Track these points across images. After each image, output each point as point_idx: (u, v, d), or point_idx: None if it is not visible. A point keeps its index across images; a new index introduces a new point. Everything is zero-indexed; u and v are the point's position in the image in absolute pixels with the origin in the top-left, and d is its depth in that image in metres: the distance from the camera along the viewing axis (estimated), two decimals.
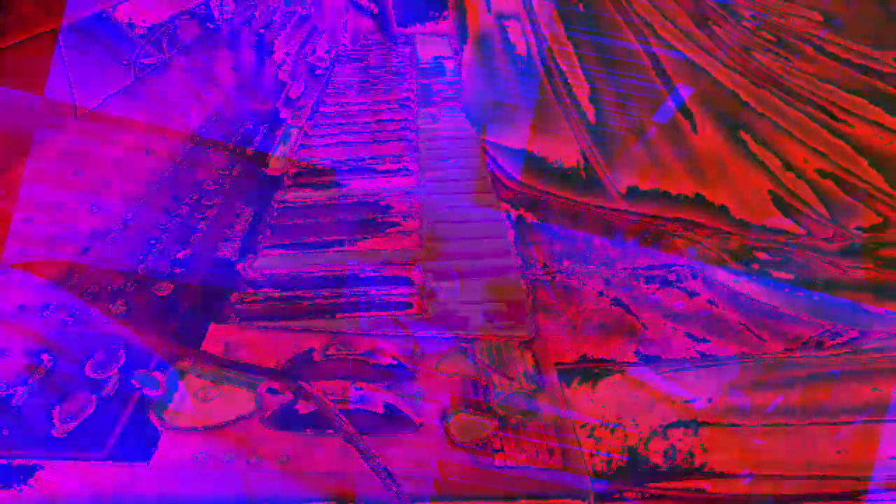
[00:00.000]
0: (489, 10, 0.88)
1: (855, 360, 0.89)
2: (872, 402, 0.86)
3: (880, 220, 0.80)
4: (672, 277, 0.91)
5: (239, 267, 0.68)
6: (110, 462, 0.45)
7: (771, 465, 0.86)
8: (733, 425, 0.87)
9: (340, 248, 0.74)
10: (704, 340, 0.92)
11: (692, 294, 0.91)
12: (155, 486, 0.44)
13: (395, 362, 0.54)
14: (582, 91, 0.82)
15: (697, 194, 0.82)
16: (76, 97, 1.33)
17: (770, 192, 0.79)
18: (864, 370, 0.87)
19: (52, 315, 0.59)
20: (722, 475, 0.87)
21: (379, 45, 1.45)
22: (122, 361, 0.53)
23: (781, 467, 0.86)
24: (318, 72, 1.32)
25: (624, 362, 0.94)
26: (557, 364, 0.55)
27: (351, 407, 0.47)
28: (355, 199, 0.82)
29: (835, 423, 0.85)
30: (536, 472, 0.44)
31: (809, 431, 0.86)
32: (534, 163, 0.89)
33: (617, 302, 0.92)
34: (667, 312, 0.92)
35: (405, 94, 1.20)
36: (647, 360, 0.93)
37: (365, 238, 0.74)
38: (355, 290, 0.65)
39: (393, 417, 0.48)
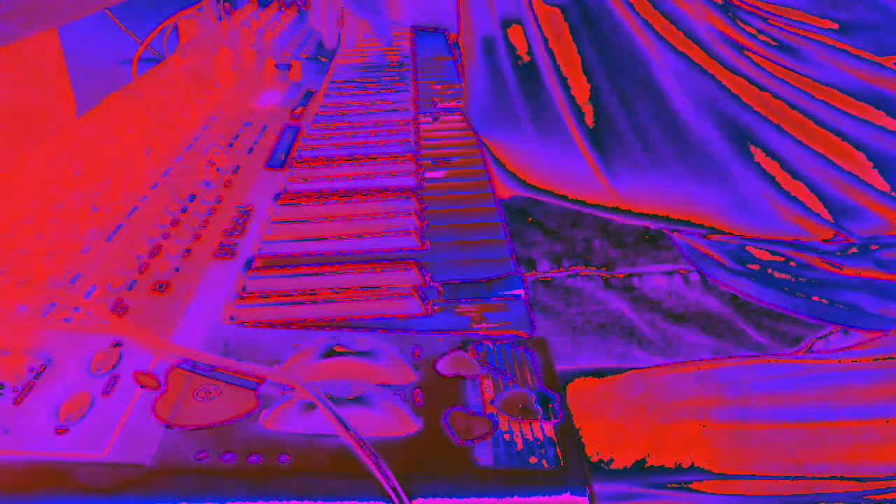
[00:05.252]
0: (490, 12, 0.88)
1: (855, 361, 0.89)
2: (873, 404, 0.86)
3: (880, 221, 0.80)
4: (672, 278, 0.92)
5: (239, 266, 0.68)
6: (110, 462, 0.45)
7: (772, 465, 0.87)
8: (734, 426, 0.87)
9: (341, 249, 0.74)
10: (704, 341, 0.92)
11: (692, 295, 0.91)
12: (154, 486, 0.44)
13: (394, 362, 0.55)
14: (583, 92, 0.82)
15: (697, 194, 0.82)
16: (76, 97, 1.33)
17: (770, 192, 0.79)
18: (865, 371, 0.87)
19: (52, 315, 0.59)
20: (722, 476, 0.87)
21: (377, 46, 1.45)
22: (121, 361, 0.53)
23: (782, 469, 0.87)
24: (318, 71, 1.32)
25: (624, 363, 0.94)
26: (557, 364, 0.55)
27: (351, 406, 0.48)
28: (355, 199, 0.82)
29: (836, 425, 0.85)
30: (536, 473, 0.44)
31: (810, 433, 0.86)
32: (534, 164, 0.89)
33: (617, 302, 0.92)
34: (667, 313, 0.92)
35: (405, 95, 1.20)
36: (648, 360, 0.94)
37: (365, 238, 0.75)
38: (356, 289, 0.65)
39: (393, 417, 0.48)
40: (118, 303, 0.62)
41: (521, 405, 0.50)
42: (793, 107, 0.76)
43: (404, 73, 1.31)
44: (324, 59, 1.38)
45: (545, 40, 0.82)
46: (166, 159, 0.90)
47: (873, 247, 0.84)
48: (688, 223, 0.83)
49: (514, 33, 0.84)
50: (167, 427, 0.48)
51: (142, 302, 0.62)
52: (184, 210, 0.78)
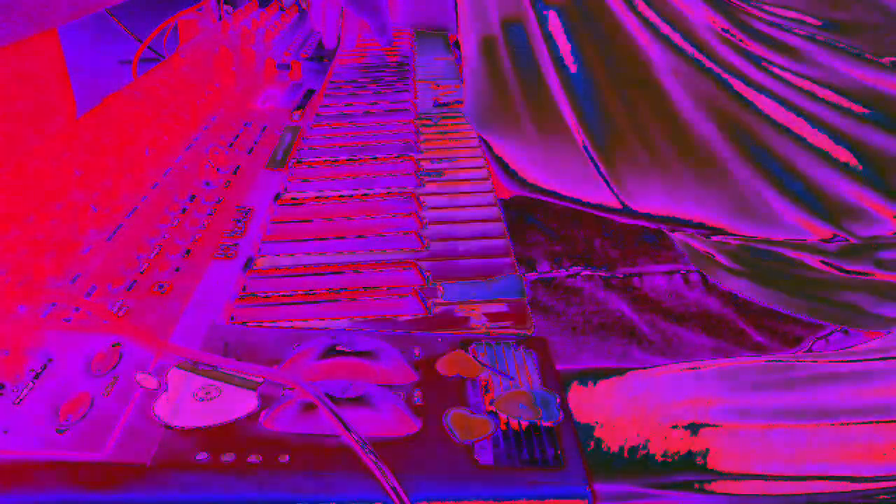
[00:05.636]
0: (491, 12, 0.88)
1: (855, 361, 0.89)
2: (873, 404, 0.86)
3: (880, 221, 0.80)
4: (672, 278, 0.92)
5: (239, 266, 0.68)
6: (110, 462, 0.45)
7: (772, 465, 0.87)
8: (734, 426, 0.87)
9: (341, 249, 0.74)
10: (704, 341, 0.92)
11: (692, 295, 0.91)
12: (154, 486, 0.44)
13: (394, 362, 0.55)
14: (584, 92, 0.82)
15: (697, 195, 0.82)
16: (76, 97, 1.33)
17: (770, 193, 0.79)
18: (865, 371, 0.87)
19: (52, 315, 0.59)
20: (722, 476, 0.87)
21: (377, 46, 1.45)
22: (122, 361, 0.53)
23: (782, 469, 0.87)
24: (318, 71, 1.32)
25: (624, 363, 0.94)
26: (558, 364, 0.55)
27: (351, 406, 0.48)
28: (355, 199, 0.82)
29: (836, 425, 0.85)
30: (536, 473, 0.44)
31: (810, 433, 0.86)
32: (535, 164, 0.89)
33: (617, 302, 0.92)
34: (667, 313, 0.92)
35: (405, 95, 1.20)
36: (648, 360, 0.94)
37: (365, 238, 0.75)
38: (356, 289, 0.65)
39: (393, 417, 0.48)
40: (118, 303, 0.62)
41: (521, 405, 0.50)
42: (793, 107, 0.76)
43: (404, 73, 1.31)
44: (324, 59, 1.38)
45: (546, 40, 0.82)
46: (166, 159, 0.90)
47: (873, 247, 0.84)
48: (689, 223, 0.83)
49: (515, 33, 0.84)
50: (167, 427, 0.48)
51: (142, 302, 0.62)
52: (184, 210, 0.78)
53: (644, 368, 0.91)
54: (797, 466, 0.86)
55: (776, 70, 0.76)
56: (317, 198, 0.84)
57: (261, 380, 0.51)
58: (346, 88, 1.24)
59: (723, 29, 0.76)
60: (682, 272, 0.91)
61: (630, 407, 0.89)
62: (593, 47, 0.81)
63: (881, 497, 0.87)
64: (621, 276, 0.91)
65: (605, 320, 0.92)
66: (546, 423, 0.48)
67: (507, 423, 0.48)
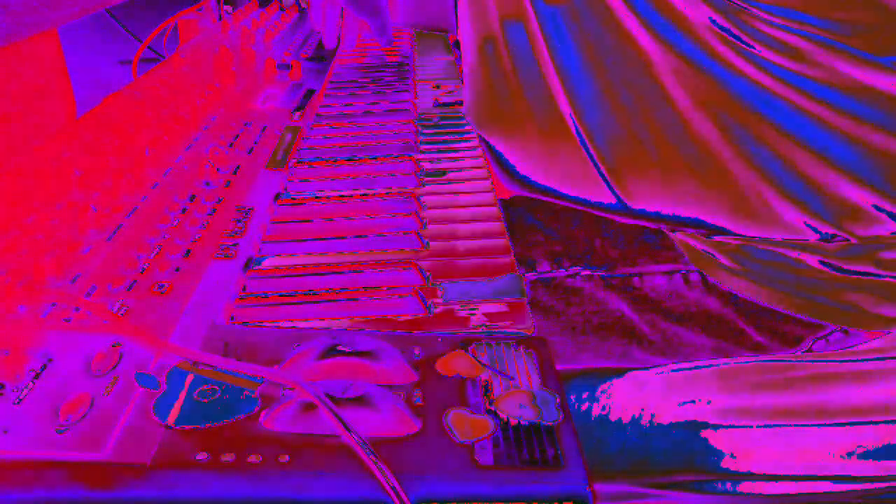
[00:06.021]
0: (491, 12, 0.87)
1: (855, 361, 0.89)
2: (873, 404, 0.86)
3: (881, 221, 0.80)
4: (672, 278, 0.92)
5: (239, 266, 0.68)
6: (110, 462, 0.45)
7: (772, 465, 0.87)
8: (734, 426, 0.87)
9: (341, 248, 0.74)
10: (704, 341, 0.92)
11: (692, 295, 0.91)
12: (154, 486, 0.44)
13: (394, 362, 0.55)
14: (584, 92, 0.82)
15: (697, 195, 0.82)
16: (76, 97, 1.33)
17: (770, 193, 0.79)
18: (865, 371, 0.87)
19: (52, 315, 0.59)
20: (722, 476, 0.87)
21: (377, 46, 1.45)
22: (122, 361, 0.53)
23: (782, 469, 0.87)
24: (318, 71, 1.32)
25: (624, 363, 0.94)
26: (558, 364, 0.55)
27: (351, 406, 0.48)
28: (355, 199, 0.82)
29: (836, 425, 0.86)
30: (536, 472, 0.44)
31: (810, 433, 0.86)
32: (535, 163, 0.89)
33: (617, 302, 0.92)
34: (667, 313, 0.92)
35: (405, 95, 1.20)
36: (648, 360, 0.94)
37: (365, 238, 0.75)
38: (356, 289, 0.65)
39: (393, 417, 0.48)
40: (118, 303, 0.62)
41: (521, 405, 0.50)
42: (793, 107, 0.76)
43: (404, 73, 1.31)
44: (324, 59, 1.38)
45: (546, 39, 0.82)
46: (166, 159, 0.90)
47: (873, 247, 0.84)
48: (689, 223, 0.83)
49: (515, 33, 0.84)
50: (167, 427, 0.48)
51: (142, 302, 0.62)
52: (184, 210, 0.78)
53: (644, 368, 0.91)
54: (797, 466, 0.86)
55: (776, 70, 0.76)
56: (317, 198, 0.84)
57: (261, 380, 0.51)
58: (346, 88, 1.24)
59: (723, 29, 0.76)
60: (682, 272, 0.91)
61: (630, 407, 0.89)
62: (593, 47, 0.81)
63: (881, 497, 0.87)
64: (621, 276, 0.91)
65: (605, 320, 0.92)
66: (546, 423, 0.48)
67: (507, 423, 0.48)
